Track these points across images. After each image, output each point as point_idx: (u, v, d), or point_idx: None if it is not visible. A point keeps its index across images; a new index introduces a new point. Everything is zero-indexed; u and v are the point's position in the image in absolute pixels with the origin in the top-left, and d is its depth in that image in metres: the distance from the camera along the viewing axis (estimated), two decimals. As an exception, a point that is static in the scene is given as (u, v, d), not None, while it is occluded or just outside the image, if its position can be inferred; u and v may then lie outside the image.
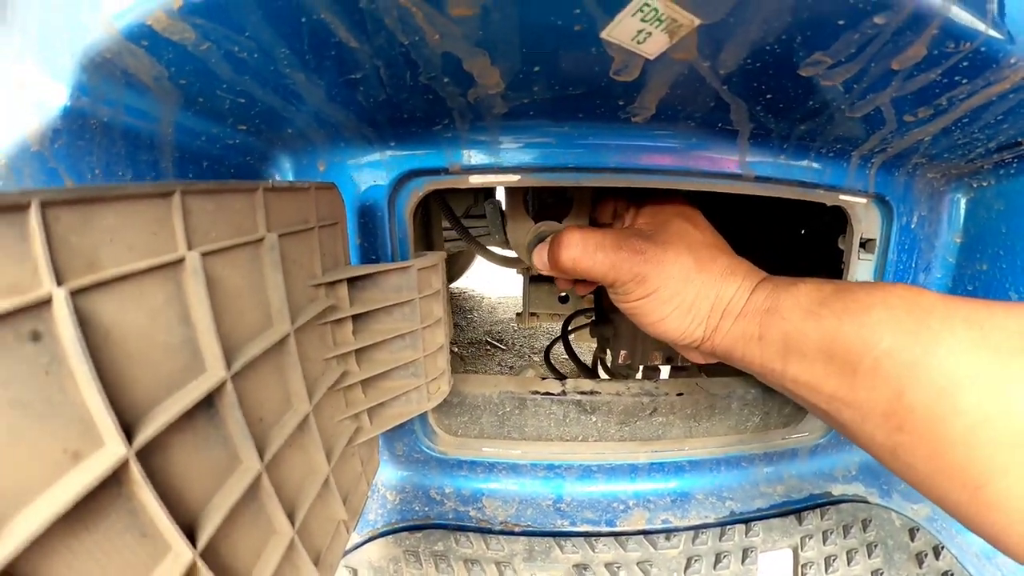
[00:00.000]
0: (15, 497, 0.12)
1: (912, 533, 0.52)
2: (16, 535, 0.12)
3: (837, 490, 0.55)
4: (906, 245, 0.51)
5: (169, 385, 0.18)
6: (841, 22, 0.25)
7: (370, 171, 0.37)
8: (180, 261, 0.18)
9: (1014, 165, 0.45)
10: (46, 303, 0.13)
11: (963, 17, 0.26)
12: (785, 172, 0.41)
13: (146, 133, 0.31)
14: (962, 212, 0.52)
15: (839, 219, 0.52)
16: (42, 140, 0.27)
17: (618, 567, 0.41)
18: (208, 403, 0.20)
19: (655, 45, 0.25)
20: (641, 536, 0.43)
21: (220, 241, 0.20)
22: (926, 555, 0.50)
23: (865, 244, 0.51)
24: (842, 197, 0.46)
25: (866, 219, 0.49)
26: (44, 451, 0.13)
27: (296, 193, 0.28)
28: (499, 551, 0.42)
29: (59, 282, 0.13)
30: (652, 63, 0.26)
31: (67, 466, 0.14)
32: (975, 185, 0.50)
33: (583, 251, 0.37)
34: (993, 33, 0.27)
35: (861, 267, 0.50)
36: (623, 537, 0.43)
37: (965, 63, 0.29)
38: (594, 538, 0.43)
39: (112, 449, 0.14)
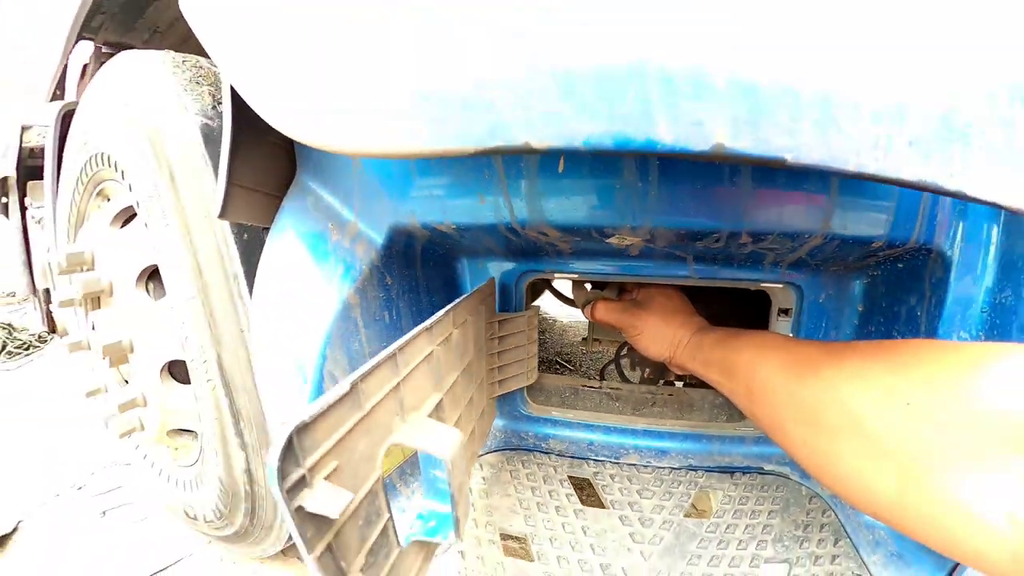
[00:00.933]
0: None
1: (811, 499, 0.83)
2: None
3: (768, 467, 0.87)
4: (816, 312, 0.81)
5: (459, 363, 0.60)
6: (698, 236, 0.62)
7: (508, 269, 0.79)
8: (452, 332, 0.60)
9: (887, 264, 0.68)
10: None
11: (759, 227, 0.61)
12: (718, 273, 0.77)
13: (411, 252, 0.75)
14: (862, 291, 0.75)
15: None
16: (378, 260, 0.70)
17: (615, 476, 0.78)
18: (465, 370, 0.62)
19: (627, 243, 0.64)
20: (632, 466, 0.81)
21: (467, 316, 0.63)
22: (813, 511, 0.81)
23: (786, 311, 0.83)
24: (762, 285, 0.80)
25: (782, 297, 0.81)
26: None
27: (484, 288, 0.70)
28: (555, 463, 0.81)
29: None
30: (629, 245, 0.65)
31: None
32: (871, 274, 0.73)
33: (605, 312, 0.77)
34: (785, 228, 0.61)
35: (780, 325, 0.83)
36: (622, 464, 0.81)
37: (781, 237, 0.63)
38: (605, 463, 0.81)
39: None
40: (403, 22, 0.33)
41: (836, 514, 0.81)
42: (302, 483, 0.31)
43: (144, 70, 0.81)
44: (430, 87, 0.32)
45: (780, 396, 0.51)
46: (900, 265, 0.70)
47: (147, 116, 0.77)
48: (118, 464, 1.51)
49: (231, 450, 0.80)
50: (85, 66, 1.74)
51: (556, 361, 2.35)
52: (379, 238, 0.67)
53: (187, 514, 0.97)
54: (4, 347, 3.23)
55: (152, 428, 0.95)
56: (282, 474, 0.29)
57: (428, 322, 0.47)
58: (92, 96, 0.95)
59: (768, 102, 0.29)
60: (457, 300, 0.57)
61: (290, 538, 0.88)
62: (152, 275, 0.88)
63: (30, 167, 3.08)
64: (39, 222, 3.16)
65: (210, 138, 0.72)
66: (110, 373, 1.06)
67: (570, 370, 2.32)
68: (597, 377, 1.04)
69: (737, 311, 0.98)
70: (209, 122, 0.74)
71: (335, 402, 0.33)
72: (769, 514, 0.77)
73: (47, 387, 2.95)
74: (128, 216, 0.93)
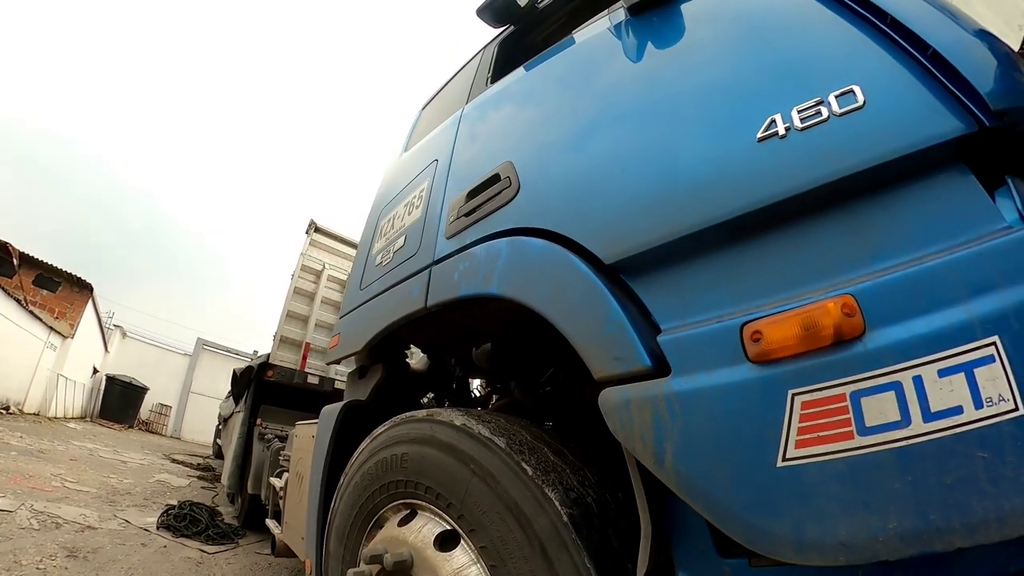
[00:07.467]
0: None
1: None
2: None
3: None
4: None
5: None
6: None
7: None
8: None
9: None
10: None
11: None
12: None
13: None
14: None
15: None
16: None
17: None
18: None
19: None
20: None
21: None
22: None
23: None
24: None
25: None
26: None
27: None
28: None
29: None
30: None
31: None
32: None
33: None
34: None
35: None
36: None
37: None
38: None
39: None
40: None
41: None
42: None
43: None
44: None
45: None
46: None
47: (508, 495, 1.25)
48: None
49: None
50: (365, 368, 2.33)
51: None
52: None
53: None
54: (206, 530, 3.80)
55: None
56: None
57: None
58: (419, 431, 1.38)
59: None
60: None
61: None
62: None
63: (264, 393, 3.92)
64: (263, 439, 3.88)
65: (578, 524, 1.24)
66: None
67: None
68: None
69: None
70: (572, 511, 1.27)
71: None
72: None
73: (240, 579, 3.41)
74: (447, 534, 1.26)
